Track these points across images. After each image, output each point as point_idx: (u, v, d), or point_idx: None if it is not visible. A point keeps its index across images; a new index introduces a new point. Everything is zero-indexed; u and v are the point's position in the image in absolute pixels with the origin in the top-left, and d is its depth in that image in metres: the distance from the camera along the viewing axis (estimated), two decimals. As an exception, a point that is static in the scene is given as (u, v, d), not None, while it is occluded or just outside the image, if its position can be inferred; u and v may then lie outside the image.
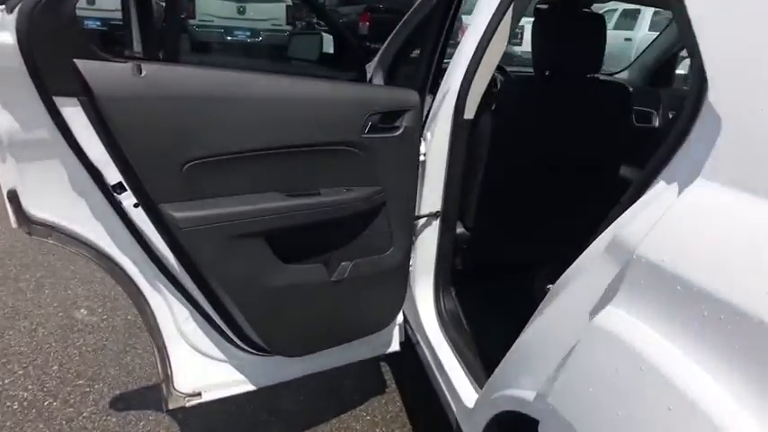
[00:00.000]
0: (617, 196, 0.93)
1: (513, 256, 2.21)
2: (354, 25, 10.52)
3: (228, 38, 11.04)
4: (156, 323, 1.56)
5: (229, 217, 1.38)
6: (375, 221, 1.68)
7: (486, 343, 1.91)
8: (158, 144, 1.27)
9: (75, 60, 1.15)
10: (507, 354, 1.23)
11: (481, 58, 1.69)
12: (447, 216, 1.90)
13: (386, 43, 2.88)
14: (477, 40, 1.68)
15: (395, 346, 2.06)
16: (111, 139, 1.25)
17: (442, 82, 1.81)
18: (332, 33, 2.66)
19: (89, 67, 1.16)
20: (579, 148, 1.97)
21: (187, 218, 1.32)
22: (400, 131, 1.61)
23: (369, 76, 3.02)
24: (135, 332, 2.66)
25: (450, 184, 1.84)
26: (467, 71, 1.71)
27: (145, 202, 1.34)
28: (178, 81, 1.27)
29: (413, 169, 1.70)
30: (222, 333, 1.63)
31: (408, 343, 2.10)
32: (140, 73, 1.22)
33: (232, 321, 1.58)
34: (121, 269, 1.50)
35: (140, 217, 1.37)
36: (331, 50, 2.70)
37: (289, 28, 12.12)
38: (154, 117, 1.25)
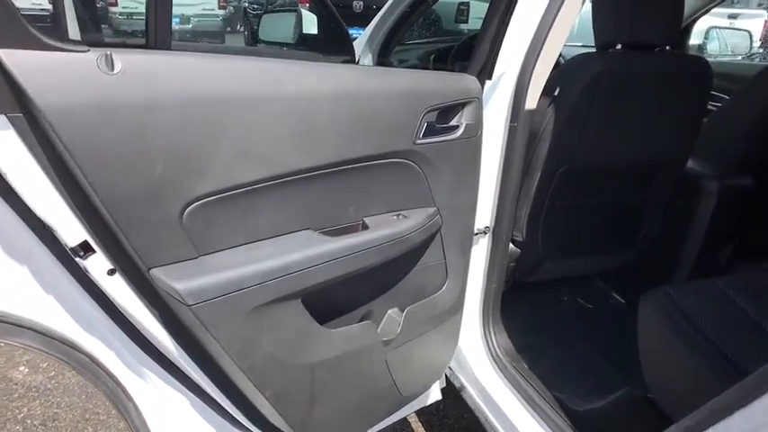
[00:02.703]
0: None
1: (570, 270, 1.87)
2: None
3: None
4: (146, 426, 1.10)
5: (255, 279, 0.93)
6: (430, 252, 1.28)
7: (558, 382, 1.55)
8: (145, 179, 0.82)
9: (-3, 51, 0.68)
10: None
11: (549, 28, 1.30)
12: (499, 231, 1.51)
13: (375, 20, 2.44)
14: (545, 6, 1.28)
15: (435, 395, 1.67)
16: (68, 176, 0.78)
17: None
18: (316, 9, 2.20)
19: (24, 62, 0.69)
20: (655, 139, 1.63)
21: (195, 289, 0.87)
22: (460, 131, 1.21)
23: (357, 56, 2.58)
24: (94, 393, 2.14)
25: (504, 193, 1.45)
26: (529, 48, 1.32)
27: (126, 267, 0.88)
28: (174, 77, 0.81)
29: (474, 179, 1.30)
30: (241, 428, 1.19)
31: (450, 387, 1.72)
32: (112, 68, 0.75)
33: (255, 413, 1.14)
34: (89, 357, 1.03)
35: (117, 288, 0.91)
36: (312, 30, 2.24)
37: (221, 12, 11.35)
38: (137, 137, 0.79)
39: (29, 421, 2.03)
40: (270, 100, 0.91)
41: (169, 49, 0.85)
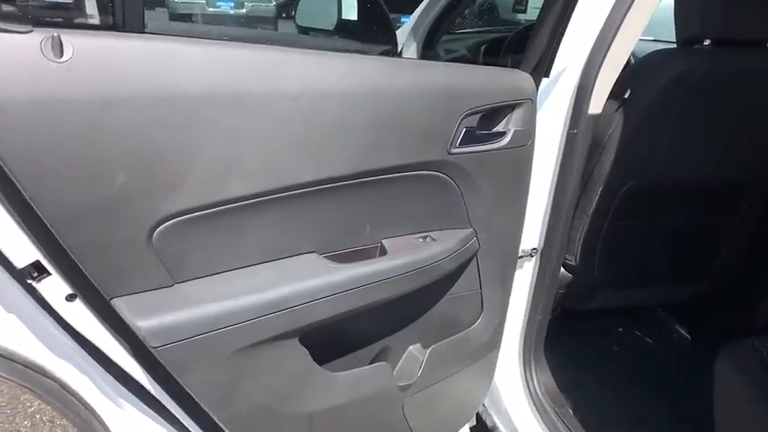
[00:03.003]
0: None
1: (629, 300, 1.63)
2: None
3: (210, 9, 10.15)
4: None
5: (242, 314, 0.76)
6: (463, 280, 1.08)
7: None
8: (102, 192, 0.66)
9: None
10: None
11: (621, 19, 1.06)
12: (549, 254, 1.29)
13: (422, 6, 2.24)
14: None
15: (463, 437, 1.47)
16: (10, 186, 0.63)
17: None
18: (356, -9, 2.01)
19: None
20: (747, 154, 1.37)
21: (163, 327, 0.71)
22: (507, 139, 1.00)
23: (399, 48, 2.38)
24: None
25: (557, 210, 1.23)
26: (597, 41, 1.09)
27: (88, 294, 0.73)
28: (141, 66, 0.64)
29: (522, 196, 1.10)
30: None
31: (481, 425, 1.52)
32: (60, 54, 0.59)
33: None
34: (59, 384, 0.89)
35: (79, 316, 0.76)
36: (352, 16, 2.05)
37: (276, -4, 11.31)
38: (90, 141, 0.63)
39: (38, 416, 1.95)
40: (266, 97, 0.73)
41: (141, 31, 0.69)
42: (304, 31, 2.28)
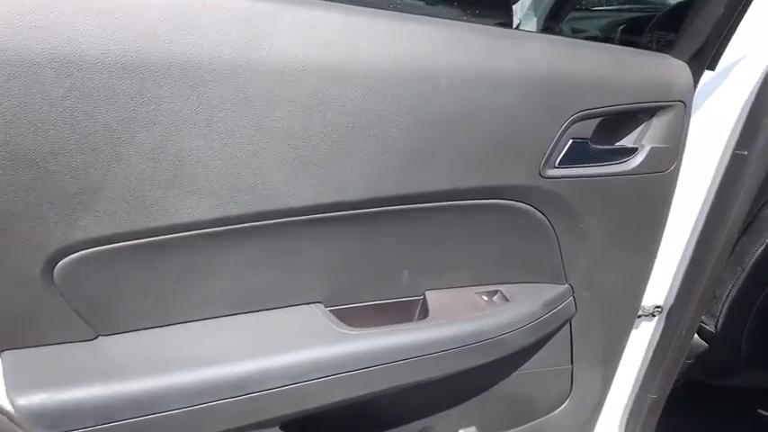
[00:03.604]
0: None
1: None
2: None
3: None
4: None
5: (187, 396, 0.51)
6: (546, 353, 0.76)
7: None
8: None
9: None
10: None
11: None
12: (679, 314, 0.93)
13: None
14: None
15: None
16: None
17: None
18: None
19: None
20: None
21: (49, 409, 0.48)
22: (639, 160, 0.66)
23: (516, 22, 2.01)
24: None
25: (700, 258, 0.86)
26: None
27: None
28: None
29: (653, 241, 0.75)
30: None
31: None
32: None
33: None
34: None
35: None
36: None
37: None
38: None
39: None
40: (238, 69, 0.46)
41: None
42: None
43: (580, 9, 2.10)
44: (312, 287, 0.59)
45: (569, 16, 1.92)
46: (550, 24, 1.90)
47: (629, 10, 2.55)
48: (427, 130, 0.54)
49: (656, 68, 0.65)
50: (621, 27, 2.14)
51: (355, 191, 0.53)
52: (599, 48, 0.65)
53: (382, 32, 0.51)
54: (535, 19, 1.93)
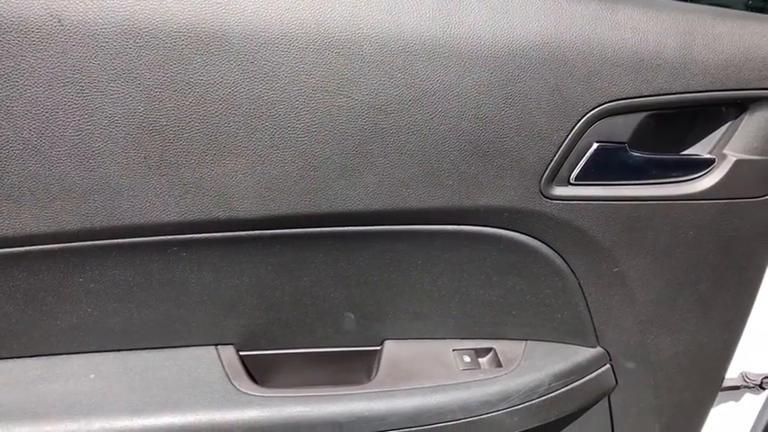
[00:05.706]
0: None
1: None
2: None
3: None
4: None
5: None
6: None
7: None
8: None
9: None
10: None
11: None
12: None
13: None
14: None
15: None
16: None
17: None
18: None
19: None
20: None
21: None
22: (717, 178, 0.43)
23: None
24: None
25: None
26: None
27: None
28: None
29: (743, 293, 0.51)
30: None
31: None
32: None
33: None
34: None
35: None
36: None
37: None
38: None
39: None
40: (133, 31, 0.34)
41: None
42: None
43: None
44: (216, 324, 0.45)
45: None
46: None
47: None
48: (354, 128, 0.37)
49: (751, 38, 0.42)
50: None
51: (282, 205, 0.39)
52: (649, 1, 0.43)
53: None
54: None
